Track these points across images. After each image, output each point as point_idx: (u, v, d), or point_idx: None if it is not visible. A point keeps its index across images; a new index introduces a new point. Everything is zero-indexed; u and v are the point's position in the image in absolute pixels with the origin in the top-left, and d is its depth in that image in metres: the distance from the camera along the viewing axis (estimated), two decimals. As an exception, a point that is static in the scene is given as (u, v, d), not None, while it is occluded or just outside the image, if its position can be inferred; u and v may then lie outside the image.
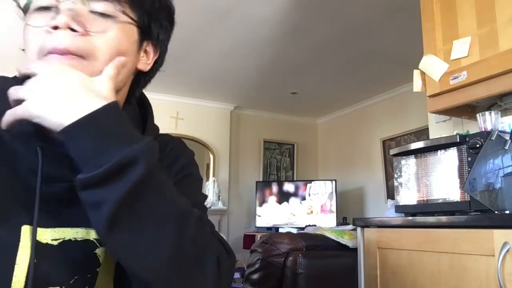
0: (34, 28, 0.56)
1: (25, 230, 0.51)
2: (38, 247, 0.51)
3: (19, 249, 0.51)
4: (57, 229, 0.54)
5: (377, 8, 3.06)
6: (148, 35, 0.65)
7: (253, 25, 3.38)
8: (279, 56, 3.95)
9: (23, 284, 0.50)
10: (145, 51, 0.66)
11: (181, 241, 0.51)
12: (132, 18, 0.60)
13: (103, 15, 0.57)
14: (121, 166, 0.47)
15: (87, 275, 0.55)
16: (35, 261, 0.50)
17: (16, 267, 0.50)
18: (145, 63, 0.67)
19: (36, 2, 0.57)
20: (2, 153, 0.54)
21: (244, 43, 3.69)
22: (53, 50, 0.54)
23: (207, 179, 5.30)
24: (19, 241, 0.51)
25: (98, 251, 0.56)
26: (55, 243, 0.54)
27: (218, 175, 5.29)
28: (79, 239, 0.55)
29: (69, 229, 0.55)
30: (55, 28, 0.54)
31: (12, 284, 0.49)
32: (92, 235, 0.56)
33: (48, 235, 0.54)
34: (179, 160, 0.73)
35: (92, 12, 0.57)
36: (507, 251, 1.15)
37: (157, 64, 0.71)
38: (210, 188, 5.20)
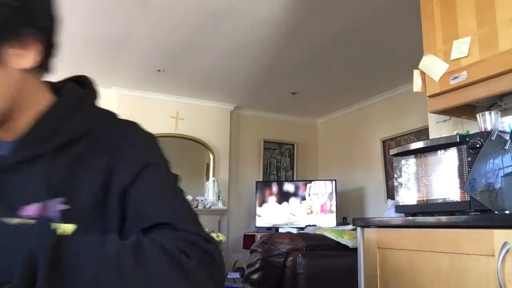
0: None
1: None
2: None
3: None
4: None
5: (377, 8, 3.06)
6: (5, 37, 0.61)
7: (253, 25, 3.38)
8: (279, 56, 3.95)
9: None
10: (23, 47, 0.63)
11: None
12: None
13: None
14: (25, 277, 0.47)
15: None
16: None
17: None
18: (27, 59, 0.63)
19: None
20: None
21: (244, 43, 3.69)
22: None
23: (207, 179, 5.30)
24: None
25: None
26: None
27: (218, 175, 5.29)
28: None
29: None
30: None
31: None
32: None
33: None
34: (132, 149, 0.70)
35: None
36: (507, 251, 1.15)
37: (50, 48, 0.69)
38: (210, 188, 5.20)
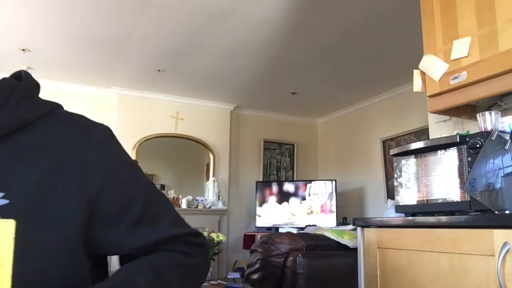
0: None
1: None
2: None
3: None
4: None
5: (377, 8, 3.06)
6: None
7: (253, 25, 3.38)
8: (279, 56, 3.95)
9: None
10: None
11: None
12: None
13: None
14: None
15: None
16: None
17: None
18: None
19: None
20: None
21: (244, 43, 3.69)
22: None
23: (207, 179, 5.30)
24: None
25: None
26: None
27: (218, 175, 5.29)
28: None
29: None
30: None
31: None
32: None
33: None
34: (94, 136, 0.67)
35: None
36: (507, 251, 1.15)
37: None
38: (210, 188, 5.20)
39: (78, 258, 0.62)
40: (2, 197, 0.58)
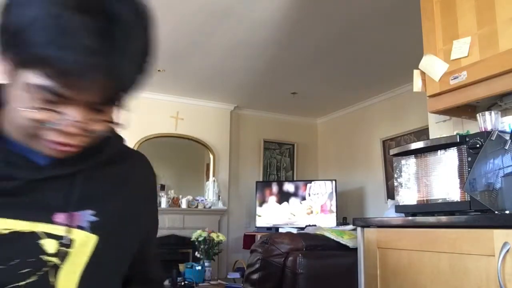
0: (37, 115, 0.58)
1: None
2: None
3: None
4: (8, 220, 0.62)
5: (377, 8, 3.07)
6: None
7: (253, 25, 3.38)
8: (279, 56, 3.95)
9: None
10: None
11: None
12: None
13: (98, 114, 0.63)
14: None
15: (27, 259, 0.62)
16: None
17: None
18: None
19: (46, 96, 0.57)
20: None
21: (244, 43, 3.69)
22: (62, 143, 0.61)
23: (207, 179, 5.30)
24: None
25: (42, 241, 0.64)
26: (5, 231, 0.62)
27: (218, 175, 5.29)
28: (26, 231, 0.63)
29: (19, 221, 0.63)
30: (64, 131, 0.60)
31: None
32: (39, 228, 0.64)
33: (1, 225, 0.62)
34: (154, 184, 0.86)
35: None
36: (507, 251, 1.15)
37: None
38: (210, 188, 5.20)
39: (121, 282, 0.76)
40: (94, 215, 0.68)
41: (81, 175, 0.68)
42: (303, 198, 5.08)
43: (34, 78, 0.55)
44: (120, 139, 0.77)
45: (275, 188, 5.24)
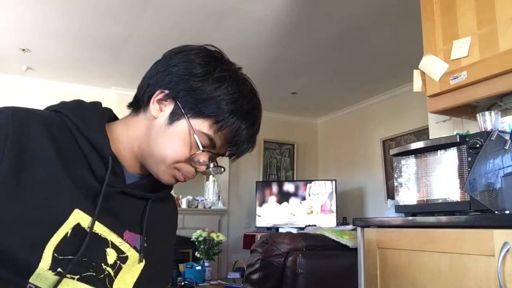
0: (184, 152, 0.74)
1: (77, 212, 0.66)
2: (79, 227, 0.66)
3: (66, 223, 0.65)
4: (97, 223, 0.69)
5: (377, 8, 3.07)
6: None
7: (253, 25, 3.38)
8: (279, 56, 3.95)
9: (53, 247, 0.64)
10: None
11: None
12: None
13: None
14: None
15: (92, 262, 0.67)
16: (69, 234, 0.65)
17: (56, 235, 0.64)
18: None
19: (204, 141, 0.75)
20: (74, 155, 0.70)
21: (244, 43, 3.69)
22: (183, 175, 0.77)
23: (207, 179, 5.30)
24: (68, 216, 0.65)
25: (108, 250, 0.70)
26: (88, 230, 0.67)
27: (218, 175, 5.28)
28: (102, 236, 0.69)
29: (101, 225, 0.69)
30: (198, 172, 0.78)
31: (49, 242, 0.64)
32: (111, 237, 0.70)
33: (88, 223, 0.68)
34: (177, 223, 0.94)
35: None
36: (507, 251, 1.15)
37: None
38: (210, 188, 5.20)
39: None
40: (146, 241, 0.76)
41: (144, 202, 0.78)
42: (303, 198, 5.08)
43: (210, 126, 0.74)
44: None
45: (275, 188, 5.24)
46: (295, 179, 5.79)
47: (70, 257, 0.64)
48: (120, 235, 0.72)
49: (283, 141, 5.90)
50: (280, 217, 5.08)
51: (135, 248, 0.73)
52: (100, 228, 0.69)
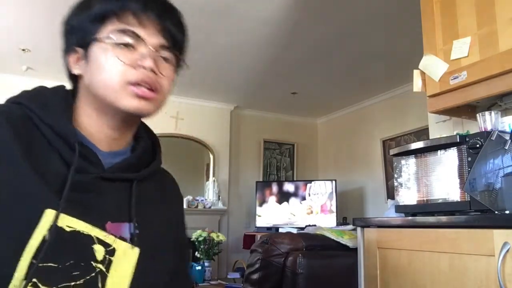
0: (120, 62, 0.69)
1: (49, 212, 0.62)
2: (54, 227, 0.62)
3: (38, 226, 0.61)
4: (73, 219, 0.64)
5: (377, 8, 3.06)
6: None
7: (253, 25, 3.38)
8: (279, 56, 3.95)
9: (31, 254, 0.60)
10: None
11: None
12: (179, 65, 0.79)
13: (166, 60, 0.75)
14: None
15: (80, 262, 0.64)
16: (46, 237, 0.61)
17: (31, 241, 0.60)
18: None
19: (120, 39, 0.70)
20: (43, 148, 0.66)
21: (244, 43, 3.69)
22: (141, 82, 0.70)
23: (207, 179, 5.30)
24: (40, 218, 0.61)
25: (95, 246, 0.66)
26: (68, 229, 0.64)
27: (218, 175, 5.29)
28: (85, 233, 0.65)
29: (82, 222, 0.65)
30: (141, 66, 0.70)
31: (24, 252, 0.59)
32: (94, 232, 0.66)
33: (65, 221, 0.64)
34: (182, 203, 0.91)
35: (161, 57, 0.74)
36: (507, 251, 1.15)
37: None
38: (210, 188, 5.20)
39: None
40: (136, 227, 0.72)
41: (127, 184, 0.73)
42: (303, 198, 5.08)
43: (111, 27, 0.70)
44: (160, 158, 0.84)
45: (275, 188, 5.24)
46: (295, 179, 5.79)
47: (51, 264, 0.60)
48: (103, 228, 0.67)
49: (283, 141, 5.90)
50: (280, 217, 5.08)
51: (121, 238, 0.69)
52: (80, 225, 0.65)
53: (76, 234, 0.64)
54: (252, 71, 4.33)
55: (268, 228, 5.00)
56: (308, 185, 5.12)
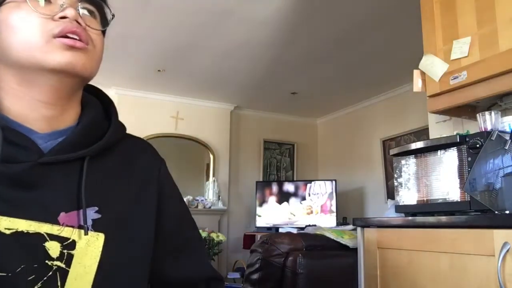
0: (38, 15, 0.60)
1: None
2: None
3: None
4: (12, 219, 0.56)
5: (377, 9, 3.06)
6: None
7: (253, 25, 3.38)
8: (279, 56, 3.95)
9: None
10: None
11: None
12: (105, 18, 0.71)
13: (91, 13, 0.67)
14: None
15: (33, 264, 0.57)
16: None
17: None
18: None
19: None
20: None
21: (244, 43, 3.69)
22: (66, 31, 0.60)
23: (207, 179, 5.30)
24: None
25: (48, 244, 0.59)
26: (8, 232, 0.56)
27: (218, 175, 5.29)
28: (31, 232, 0.58)
29: (23, 221, 0.57)
30: (62, 18, 0.61)
31: None
32: (44, 229, 0.59)
33: (3, 224, 0.56)
34: (162, 166, 0.78)
35: (86, 10, 0.66)
36: (507, 251, 1.15)
37: None
38: (210, 188, 5.20)
39: (146, 279, 0.70)
40: (96, 212, 0.64)
41: (77, 165, 0.64)
42: (303, 198, 5.08)
43: None
44: (122, 128, 0.74)
45: (275, 188, 5.24)
46: (295, 179, 5.79)
47: (0, 274, 0.54)
48: (55, 222, 0.59)
49: (283, 141, 5.90)
50: (280, 217, 5.08)
51: (80, 227, 0.61)
52: (22, 225, 0.57)
53: (19, 235, 0.56)
54: (252, 71, 4.33)
55: (268, 228, 5.00)
56: (308, 185, 5.11)
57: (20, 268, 0.56)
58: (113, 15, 0.70)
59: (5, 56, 0.61)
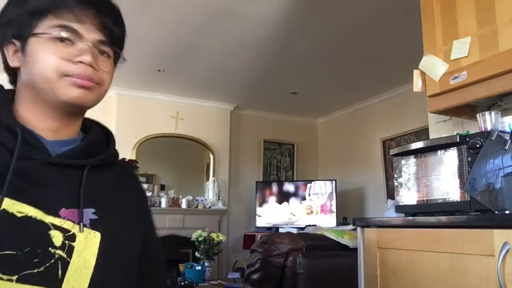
0: (53, 54, 0.70)
1: None
2: (4, 214, 0.62)
3: None
4: (23, 205, 0.64)
5: (377, 9, 3.07)
6: None
7: (253, 25, 3.38)
8: (279, 56, 3.95)
9: None
10: None
11: None
12: (117, 59, 0.80)
13: (104, 54, 0.76)
14: None
15: (37, 250, 0.64)
16: None
17: None
18: None
19: (56, 34, 0.71)
20: None
21: (244, 43, 3.69)
22: (79, 75, 0.71)
23: (207, 179, 5.30)
24: None
25: (52, 232, 0.66)
26: (19, 215, 0.63)
27: (218, 175, 5.29)
28: (38, 219, 0.65)
29: (32, 208, 0.65)
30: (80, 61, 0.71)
31: None
32: (48, 219, 0.66)
33: (16, 207, 0.64)
34: (145, 196, 0.91)
35: (100, 51, 0.75)
36: (507, 251, 1.15)
37: None
38: (210, 188, 5.20)
39: (133, 280, 0.77)
40: (94, 213, 0.72)
41: (80, 172, 0.73)
42: (303, 198, 5.08)
43: (49, 22, 0.70)
44: (117, 153, 0.84)
45: (275, 188, 5.24)
46: (295, 179, 5.79)
47: (8, 252, 0.60)
48: (57, 215, 0.67)
49: (283, 141, 5.90)
50: (280, 217, 5.08)
51: (79, 224, 0.70)
52: (31, 211, 0.65)
53: (29, 219, 0.64)
54: (252, 71, 4.33)
55: (268, 228, 5.00)
56: (308, 185, 5.12)
57: (27, 250, 0.62)
58: (124, 59, 0.81)
59: (28, 80, 0.72)
